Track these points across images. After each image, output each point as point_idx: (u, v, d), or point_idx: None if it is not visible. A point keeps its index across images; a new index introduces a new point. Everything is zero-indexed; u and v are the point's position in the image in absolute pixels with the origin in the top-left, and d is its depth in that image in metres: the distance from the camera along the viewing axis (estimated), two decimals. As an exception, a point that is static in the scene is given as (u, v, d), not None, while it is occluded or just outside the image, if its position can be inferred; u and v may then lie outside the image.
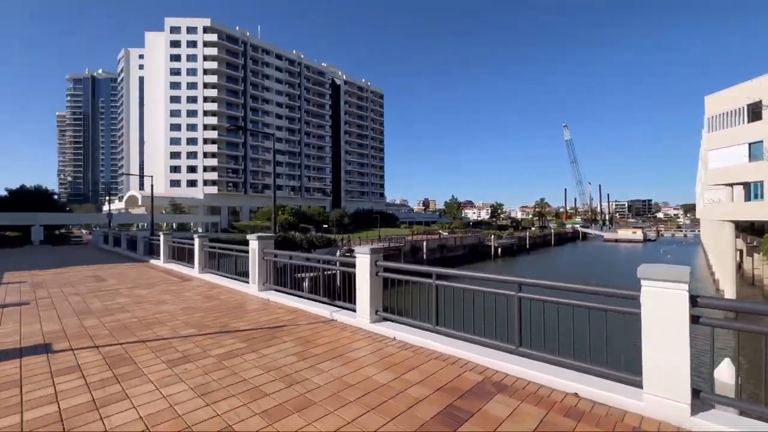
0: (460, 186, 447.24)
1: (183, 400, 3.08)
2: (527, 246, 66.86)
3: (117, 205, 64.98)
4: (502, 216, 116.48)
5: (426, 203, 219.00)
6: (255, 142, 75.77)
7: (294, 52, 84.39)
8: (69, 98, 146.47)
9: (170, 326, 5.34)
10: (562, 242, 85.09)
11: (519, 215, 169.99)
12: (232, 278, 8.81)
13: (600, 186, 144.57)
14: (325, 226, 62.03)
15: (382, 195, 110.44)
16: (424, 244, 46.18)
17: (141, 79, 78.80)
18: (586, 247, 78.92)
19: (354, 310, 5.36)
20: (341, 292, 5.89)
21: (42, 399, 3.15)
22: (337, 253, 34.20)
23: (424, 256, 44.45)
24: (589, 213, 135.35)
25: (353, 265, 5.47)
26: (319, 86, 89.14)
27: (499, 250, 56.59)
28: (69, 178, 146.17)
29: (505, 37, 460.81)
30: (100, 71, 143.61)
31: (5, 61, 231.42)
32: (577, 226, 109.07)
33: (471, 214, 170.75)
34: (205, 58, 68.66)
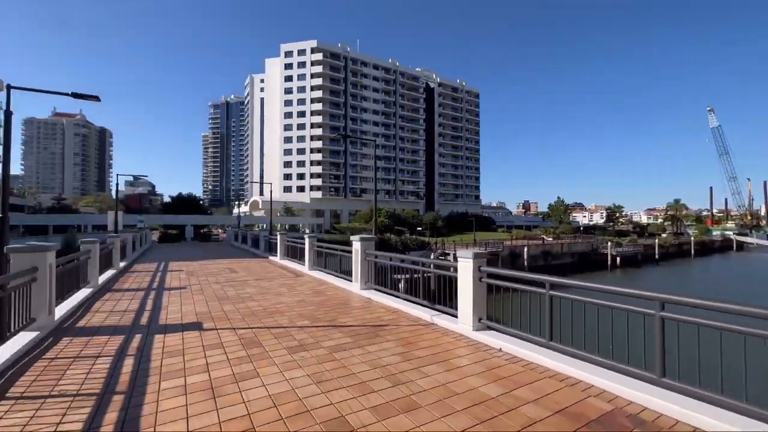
0: (567, 187, 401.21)
1: (302, 385, 3.39)
2: (656, 255, 56.36)
3: (243, 209, 76.49)
4: (621, 220, 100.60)
5: (526, 206, 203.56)
6: (354, 149, 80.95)
7: (390, 60, 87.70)
8: (210, 121, 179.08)
9: (288, 316, 5.98)
10: (705, 252, 69.21)
11: (644, 219, 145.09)
12: (337, 276, 9.49)
13: (766, 183, 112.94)
14: (419, 228, 62.52)
15: (477, 197, 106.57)
16: (525, 249, 42.87)
17: (262, 101, 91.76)
18: (744, 260, 62.66)
19: (454, 316, 5.23)
20: (437, 295, 5.82)
21: (198, 368, 3.82)
22: (431, 256, 34.12)
23: (525, 263, 41.24)
24: (748, 217, 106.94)
25: (448, 268, 5.36)
26: (413, 91, 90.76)
27: (618, 259, 48.98)
28: (210, 187, 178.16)
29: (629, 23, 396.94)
30: (232, 96, 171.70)
31: (171, 94, 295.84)
32: (729, 233, 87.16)
33: (581, 218, 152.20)
34: (312, 75, 76.28)
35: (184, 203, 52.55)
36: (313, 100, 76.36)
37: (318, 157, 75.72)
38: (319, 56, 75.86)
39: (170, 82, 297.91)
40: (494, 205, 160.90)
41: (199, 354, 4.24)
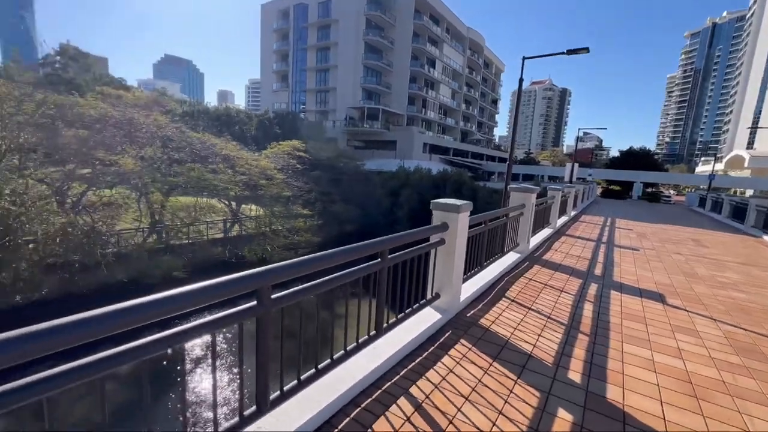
0: None
1: None
2: None
3: (717, 166, 58.54)
4: None
5: None
6: None
7: None
8: (683, 56, 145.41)
9: (819, 337, 3.76)
10: None
11: None
12: None
13: None
14: None
15: None
16: None
17: (782, 3, 60.99)
18: None
19: None
20: None
21: (667, 349, 3.25)
22: None
23: None
24: None
25: None
26: None
27: None
28: (666, 139, 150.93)
29: None
30: (724, 14, 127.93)
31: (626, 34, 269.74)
32: None
33: None
34: None
35: (633, 158, 48.23)
36: None
37: None
38: None
39: (633, 30, 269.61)
40: None
41: (665, 332, 3.62)
